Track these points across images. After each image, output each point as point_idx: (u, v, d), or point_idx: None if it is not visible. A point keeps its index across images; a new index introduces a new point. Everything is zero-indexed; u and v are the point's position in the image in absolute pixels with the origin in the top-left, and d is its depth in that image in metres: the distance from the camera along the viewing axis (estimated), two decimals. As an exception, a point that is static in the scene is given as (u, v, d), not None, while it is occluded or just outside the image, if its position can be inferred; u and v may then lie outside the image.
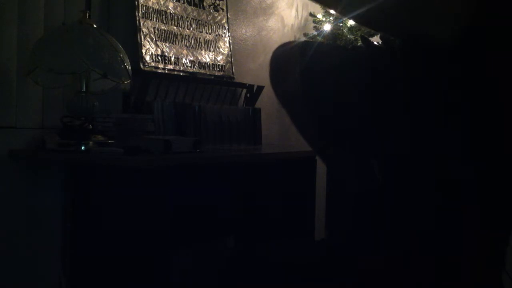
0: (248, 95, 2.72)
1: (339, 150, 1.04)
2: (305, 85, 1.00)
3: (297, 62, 1.03)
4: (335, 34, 2.87)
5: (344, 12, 1.12)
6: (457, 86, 0.93)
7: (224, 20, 2.64)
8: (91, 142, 1.76)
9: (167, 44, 2.30)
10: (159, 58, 2.25)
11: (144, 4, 2.23)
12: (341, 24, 2.86)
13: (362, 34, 2.63)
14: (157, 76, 2.24)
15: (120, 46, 1.84)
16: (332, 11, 2.90)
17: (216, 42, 2.57)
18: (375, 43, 1.46)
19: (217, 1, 2.61)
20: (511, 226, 1.00)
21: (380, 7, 0.91)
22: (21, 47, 1.82)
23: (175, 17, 2.38)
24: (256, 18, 2.96)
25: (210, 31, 2.55)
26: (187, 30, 2.43)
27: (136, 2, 2.19)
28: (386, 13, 0.94)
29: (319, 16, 2.98)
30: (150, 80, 2.19)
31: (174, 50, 2.33)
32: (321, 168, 2.41)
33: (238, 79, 2.67)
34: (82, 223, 1.89)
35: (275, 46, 1.20)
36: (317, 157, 2.32)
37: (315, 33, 2.97)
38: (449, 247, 0.96)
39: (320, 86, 1.00)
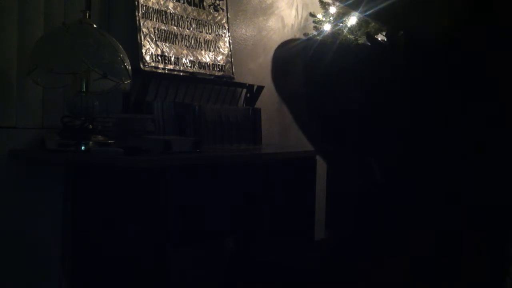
0: (248, 95, 2.72)
1: (341, 149, 1.04)
2: (309, 83, 1.00)
3: (300, 60, 1.03)
4: (335, 34, 2.86)
5: (353, 6, 1.12)
6: (457, 86, 0.93)
7: (224, 20, 2.64)
8: (91, 142, 1.76)
9: (167, 44, 2.30)
10: (159, 58, 2.25)
11: (144, 4, 2.23)
12: (341, 24, 2.86)
13: (368, 31, 2.62)
14: (157, 76, 2.24)
15: (120, 46, 1.84)
16: (333, 9, 2.90)
17: (216, 42, 2.57)
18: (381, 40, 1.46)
19: (217, 1, 2.61)
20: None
21: (384, 5, 0.91)
22: (21, 47, 1.82)
23: (175, 17, 2.38)
24: (256, 18, 2.96)
25: (210, 31, 2.55)
26: (187, 30, 2.43)
27: (136, 2, 2.19)
28: (389, 11, 0.94)
29: (319, 16, 2.98)
30: (150, 80, 2.19)
31: (174, 50, 2.33)
32: (321, 168, 2.41)
33: (238, 79, 2.67)
34: (82, 223, 1.89)
35: (275, 46, 1.20)
36: (317, 157, 2.32)
37: (315, 33, 2.97)
38: (449, 247, 0.96)
39: (323, 84, 1.00)
